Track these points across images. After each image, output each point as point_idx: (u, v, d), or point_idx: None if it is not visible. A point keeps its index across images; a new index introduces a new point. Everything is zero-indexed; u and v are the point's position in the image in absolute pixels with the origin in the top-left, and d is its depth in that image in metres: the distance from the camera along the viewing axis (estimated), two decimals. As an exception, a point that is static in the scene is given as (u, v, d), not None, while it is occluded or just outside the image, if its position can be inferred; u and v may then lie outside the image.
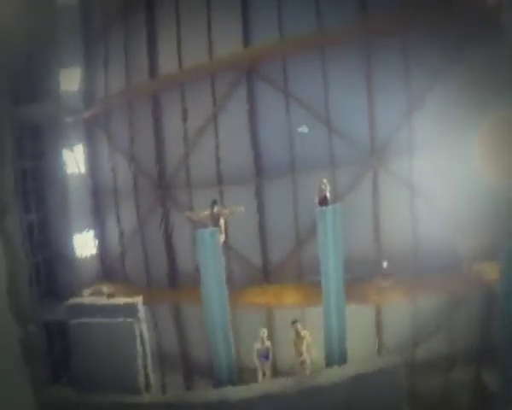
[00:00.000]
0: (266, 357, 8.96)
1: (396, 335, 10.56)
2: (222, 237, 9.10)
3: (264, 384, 8.86)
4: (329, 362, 8.81)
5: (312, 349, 8.83)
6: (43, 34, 11.53)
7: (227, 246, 10.73)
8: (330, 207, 8.70)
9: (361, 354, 9.22)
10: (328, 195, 8.84)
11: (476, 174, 9.32)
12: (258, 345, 8.96)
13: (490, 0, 8.87)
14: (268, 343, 9.00)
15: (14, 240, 11.07)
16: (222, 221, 9.10)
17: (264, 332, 9.03)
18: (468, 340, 10.27)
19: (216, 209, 9.00)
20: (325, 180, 8.89)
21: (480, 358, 10.22)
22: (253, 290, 11.11)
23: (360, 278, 10.12)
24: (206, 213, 9.07)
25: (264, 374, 9.08)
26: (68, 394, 9.43)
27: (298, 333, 8.83)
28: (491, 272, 8.94)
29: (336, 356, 8.81)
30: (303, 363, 8.79)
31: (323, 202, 8.80)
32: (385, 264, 10.38)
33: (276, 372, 10.18)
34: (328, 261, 8.68)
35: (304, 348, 8.77)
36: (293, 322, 8.96)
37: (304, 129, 10.47)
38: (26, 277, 11.54)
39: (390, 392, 8.35)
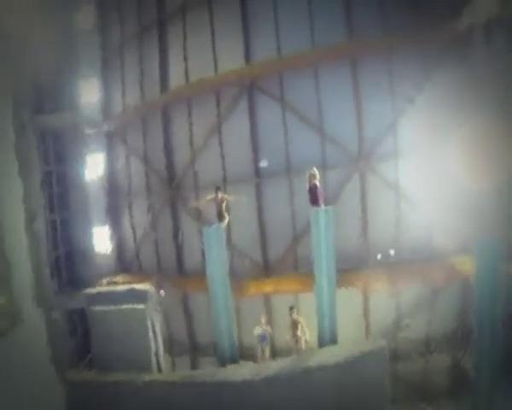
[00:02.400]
0: (264, 339, 8.96)
1: (381, 320, 10.56)
2: (225, 220, 9.08)
3: (263, 364, 8.88)
4: (321, 344, 8.81)
5: (306, 333, 8.81)
6: (66, 51, 11.55)
7: (229, 241, 10.72)
8: (323, 208, 8.64)
9: (350, 337, 9.19)
10: (317, 183, 8.51)
11: (454, 177, 9.33)
12: (258, 330, 8.96)
13: (463, 24, 8.91)
14: (267, 328, 9.00)
15: (39, 237, 11.09)
16: (224, 206, 9.04)
17: (263, 318, 9.08)
18: (447, 325, 10.26)
19: (219, 194, 8.94)
20: (315, 169, 8.56)
21: (458, 342, 10.20)
22: (254, 281, 11.08)
23: (350, 269, 10.08)
24: (211, 197, 9.02)
25: (262, 354, 9.06)
26: (88, 373, 9.45)
27: (294, 319, 8.81)
28: (466, 264, 8.94)
29: (328, 339, 8.78)
30: (298, 345, 8.77)
31: (313, 189, 8.53)
32: (372, 256, 10.38)
33: (273, 353, 10.17)
34: (321, 255, 8.63)
35: (299, 332, 8.75)
36: (290, 308, 8.93)
37: (264, 163, 10.46)
38: (49, 270, 11.57)
39: (375, 373, 8.32)
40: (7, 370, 8.47)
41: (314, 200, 8.51)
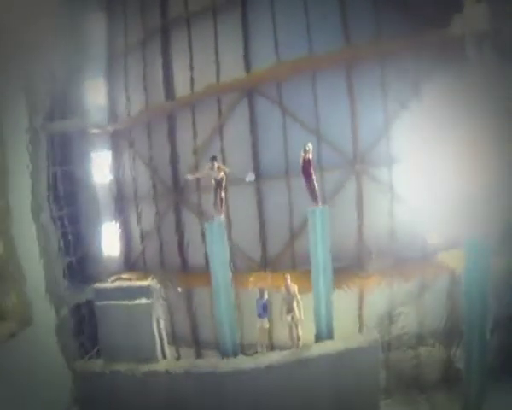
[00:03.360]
0: (265, 308, 9.00)
1: (375, 315, 10.64)
2: (223, 190, 8.89)
3: (263, 356, 8.99)
4: (318, 338, 8.90)
5: (301, 308, 8.80)
6: (74, 60, 11.69)
7: (230, 237, 10.81)
8: (319, 208, 8.73)
9: (345, 331, 9.29)
10: (311, 157, 8.49)
11: (444, 178, 9.42)
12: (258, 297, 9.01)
13: (455, 31, 9.00)
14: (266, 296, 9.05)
15: (48, 235, 11.22)
16: (222, 175, 8.77)
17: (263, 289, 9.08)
18: (438, 319, 10.35)
19: (215, 164, 8.66)
20: (310, 144, 8.55)
21: (448, 335, 10.29)
22: (254, 277, 11.16)
23: (345, 266, 10.20)
24: (207, 167, 8.80)
25: (262, 330, 9.13)
26: (96, 364, 9.55)
27: (288, 289, 8.79)
28: (455, 260, 9.03)
29: (324, 333, 8.88)
30: (293, 319, 8.76)
31: (307, 164, 8.52)
32: (367, 255, 10.46)
33: (272, 348, 10.28)
34: (317, 253, 8.75)
35: (294, 304, 8.73)
36: (284, 276, 8.98)
37: (251, 177, 10.46)
38: (60, 267, 11.71)
39: (369, 364, 8.46)
40: (17, 367, 8.62)
41: (307, 173, 8.55)
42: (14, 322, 9.69)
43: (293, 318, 8.75)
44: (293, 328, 8.83)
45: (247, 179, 10.19)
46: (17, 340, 9.32)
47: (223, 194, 8.98)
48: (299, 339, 8.90)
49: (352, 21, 10.21)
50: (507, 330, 8.75)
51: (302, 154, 8.50)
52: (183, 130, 12.57)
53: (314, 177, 8.62)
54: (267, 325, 9.28)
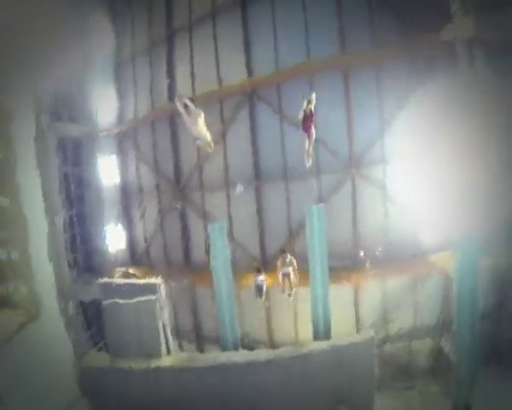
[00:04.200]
0: (261, 289, 9.32)
1: (371, 312, 10.77)
2: (208, 136, 7.62)
3: (264, 351, 9.13)
4: (316, 335, 9.02)
5: (296, 271, 9.00)
6: (85, 66, 11.77)
7: (231, 237, 10.90)
8: (316, 207, 8.83)
9: (342, 327, 9.42)
10: (313, 109, 7.68)
11: (436, 179, 9.49)
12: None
13: (447, 36, 9.07)
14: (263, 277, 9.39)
15: (58, 233, 11.35)
16: (200, 121, 7.25)
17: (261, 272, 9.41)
18: (430, 314, 10.48)
19: (186, 100, 6.92)
20: (314, 95, 7.69)
21: (440, 328, 10.41)
22: (253, 275, 11.29)
23: (341, 264, 10.31)
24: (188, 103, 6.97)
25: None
26: (103, 358, 9.71)
27: (285, 259, 8.98)
28: (447, 259, 9.13)
29: (322, 330, 9.02)
30: (288, 280, 8.97)
31: (308, 117, 7.78)
32: (362, 254, 10.57)
33: (273, 345, 10.42)
34: (314, 251, 8.90)
35: (290, 269, 8.91)
36: (282, 252, 9.26)
37: (240, 188, 10.64)
38: (68, 263, 11.84)
39: (364, 360, 8.63)
40: (25, 358, 8.74)
41: (307, 126, 7.90)
42: (24, 313, 9.81)
43: (288, 280, 8.91)
44: (287, 280, 8.99)
45: (237, 191, 10.60)
46: (25, 332, 9.42)
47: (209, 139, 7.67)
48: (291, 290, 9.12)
49: (349, 27, 10.22)
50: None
51: (304, 106, 7.64)
52: (186, 132, 12.57)
53: (314, 132, 7.96)
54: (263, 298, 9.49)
